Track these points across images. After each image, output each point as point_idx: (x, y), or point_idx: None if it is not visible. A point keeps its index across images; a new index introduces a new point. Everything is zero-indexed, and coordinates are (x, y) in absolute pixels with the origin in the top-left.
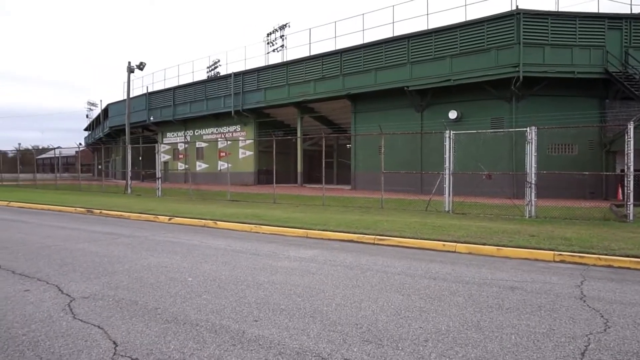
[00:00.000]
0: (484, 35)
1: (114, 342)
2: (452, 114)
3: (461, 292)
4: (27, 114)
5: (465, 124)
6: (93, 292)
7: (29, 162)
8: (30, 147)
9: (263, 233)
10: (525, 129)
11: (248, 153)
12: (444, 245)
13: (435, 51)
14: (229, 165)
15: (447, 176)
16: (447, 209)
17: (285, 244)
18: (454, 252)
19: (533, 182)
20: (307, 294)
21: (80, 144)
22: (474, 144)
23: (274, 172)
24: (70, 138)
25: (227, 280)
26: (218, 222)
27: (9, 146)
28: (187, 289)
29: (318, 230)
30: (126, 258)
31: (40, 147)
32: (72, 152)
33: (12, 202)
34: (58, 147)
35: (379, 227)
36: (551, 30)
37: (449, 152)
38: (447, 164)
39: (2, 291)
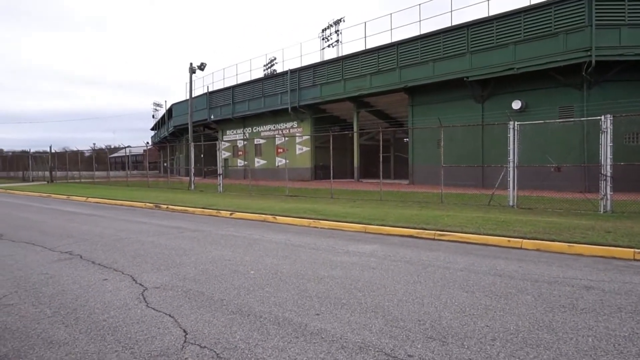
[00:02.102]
0: (551, 19)
1: (184, 331)
2: (516, 104)
3: (530, 290)
4: (100, 116)
5: (530, 114)
6: (163, 282)
7: (102, 161)
8: (103, 147)
9: (321, 228)
10: (599, 117)
11: (305, 149)
12: (508, 241)
13: (497, 39)
14: (287, 161)
15: (511, 169)
16: (511, 203)
17: (344, 239)
18: (520, 248)
19: (608, 174)
20: (367, 289)
21: (147, 143)
22: (541, 135)
23: (331, 168)
24: (138, 137)
25: (288, 273)
26: (277, 217)
27: (85, 146)
28: (250, 281)
29: (376, 225)
30: (192, 251)
31: (113, 147)
32: (141, 151)
33: (89, 198)
34: (128, 147)
35: (439, 222)
36: (628, 9)
37: (513, 144)
38: (511, 157)
39: (84, 279)
